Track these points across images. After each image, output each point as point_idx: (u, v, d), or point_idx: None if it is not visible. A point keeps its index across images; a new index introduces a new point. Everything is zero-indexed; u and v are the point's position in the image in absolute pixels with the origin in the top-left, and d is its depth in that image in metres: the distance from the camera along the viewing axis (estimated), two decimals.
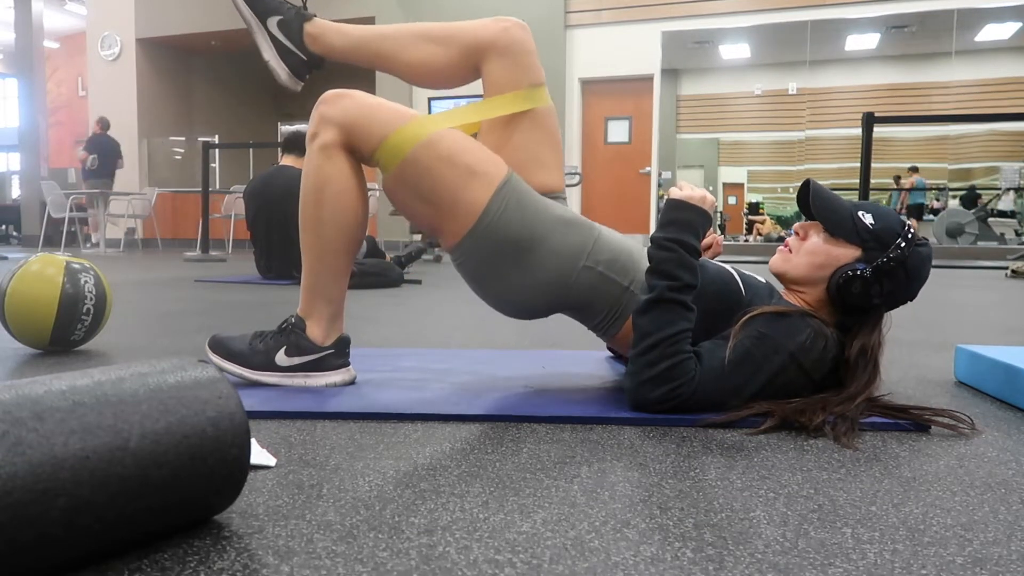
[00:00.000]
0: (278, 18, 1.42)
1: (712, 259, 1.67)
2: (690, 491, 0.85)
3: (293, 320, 1.33)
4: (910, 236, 1.23)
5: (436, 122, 1.28)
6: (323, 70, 1.44)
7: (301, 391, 1.30)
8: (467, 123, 1.37)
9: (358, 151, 1.28)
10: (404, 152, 1.25)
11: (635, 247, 1.35)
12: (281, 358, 1.32)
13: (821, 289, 1.26)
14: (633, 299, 1.28)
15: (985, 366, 1.41)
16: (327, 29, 1.44)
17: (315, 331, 1.33)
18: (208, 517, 0.72)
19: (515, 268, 1.27)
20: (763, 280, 1.32)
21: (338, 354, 1.34)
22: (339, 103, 1.26)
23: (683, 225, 1.21)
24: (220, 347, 1.35)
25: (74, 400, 0.62)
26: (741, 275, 1.30)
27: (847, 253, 1.24)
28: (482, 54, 1.37)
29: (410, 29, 1.41)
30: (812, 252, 1.27)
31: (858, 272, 1.21)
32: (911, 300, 1.27)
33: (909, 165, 8.98)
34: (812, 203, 1.26)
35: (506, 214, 1.26)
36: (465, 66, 1.39)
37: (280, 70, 1.43)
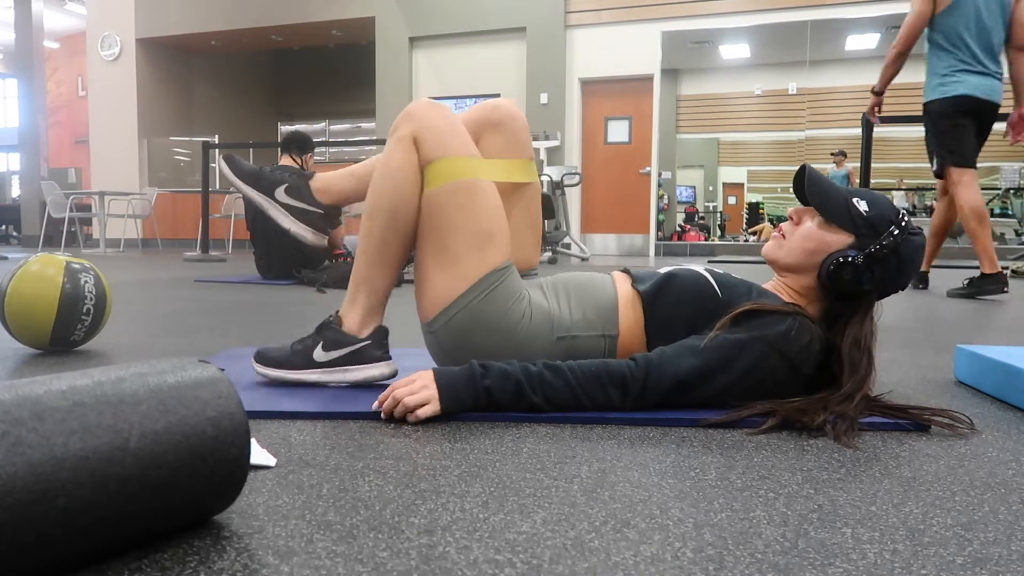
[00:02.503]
0: (284, 186, 1.49)
1: None
2: (690, 491, 0.85)
3: (331, 318, 1.35)
4: (903, 224, 1.23)
5: (486, 169, 1.32)
6: (345, 214, 1.48)
7: (300, 391, 1.30)
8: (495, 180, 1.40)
9: (419, 155, 1.31)
10: (448, 179, 1.28)
11: (589, 284, 1.34)
12: (319, 354, 1.33)
13: (812, 275, 1.27)
14: (612, 340, 1.30)
15: (985, 366, 1.41)
16: (331, 178, 1.50)
17: (351, 322, 1.33)
18: (208, 517, 0.72)
19: (493, 349, 1.28)
20: (739, 278, 1.32)
21: (376, 345, 1.34)
22: (427, 109, 1.31)
23: (477, 392, 1.16)
24: (263, 358, 1.37)
25: (74, 400, 0.62)
26: (715, 276, 1.30)
27: (840, 239, 1.24)
28: (478, 135, 1.41)
29: None
30: (805, 237, 1.27)
31: (850, 258, 1.21)
32: (902, 289, 1.27)
33: (837, 150, 9.05)
34: (807, 188, 1.26)
35: (495, 296, 1.27)
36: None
37: (304, 232, 1.49)
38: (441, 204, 1.28)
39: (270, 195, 1.48)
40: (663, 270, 1.32)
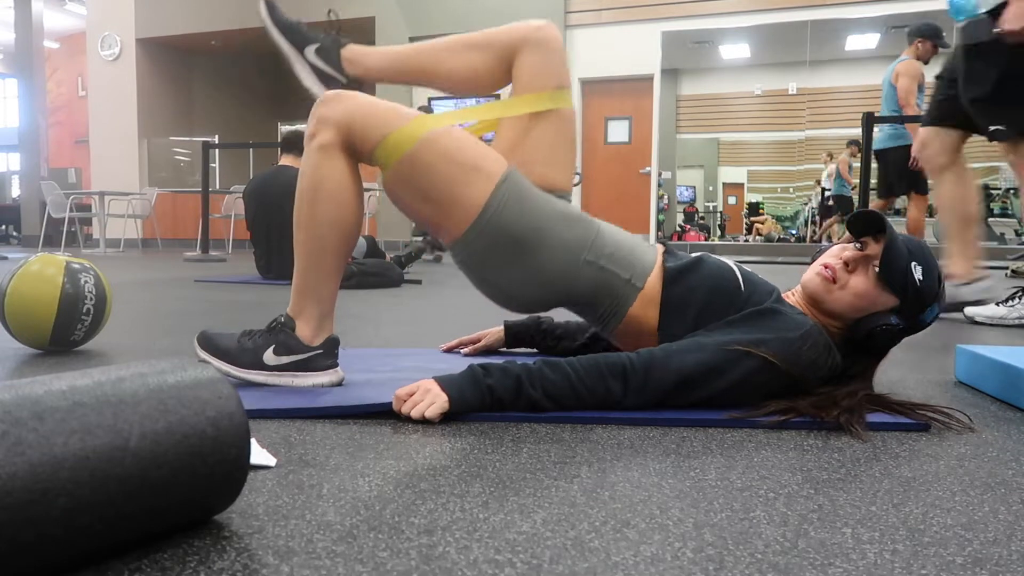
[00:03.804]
0: (315, 46, 1.46)
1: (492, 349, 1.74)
2: (690, 491, 0.85)
3: (283, 319, 1.33)
4: (941, 299, 1.25)
5: (436, 120, 1.29)
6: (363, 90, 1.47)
7: (301, 391, 1.30)
8: (488, 119, 1.39)
9: (357, 150, 1.29)
10: (404, 149, 1.26)
11: (635, 241, 1.36)
12: (269, 357, 1.32)
13: (845, 324, 1.28)
14: (634, 291, 1.30)
15: (985, 366, 1.41)
16: (364, 51, 1.47)
17: (304, 331, 1.33)
18: (208, 517, 0.72)
19: (516, 263, 1.28)
20: (764, 280, 1.32)
21: (326, 355, 1.34)
22: (338, 104, 1.27)
23: (483, 390, 1.15)
24: (208, 343, 1.35)
25: (74, 400, 0.62)
26: (742, 271, 1.30)
27: (886, 300, 1.24)
28: (516, 51, 1.39)
29: (444, 41, 1.44)
30: (859, 295, 1.25)
31: (891, 325, 1.23)
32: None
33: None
34: (886, 246, 1.22)
35: (506, 210, 1.27)
36: (503, 67, 1.41)
37: (322, 95, 1.48)
38: (412, 173, 1.27)
39: (300, 50, 1.47)
40: (695, 255, 1.33)
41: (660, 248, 1.38)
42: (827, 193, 9.23)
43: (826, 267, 1.26)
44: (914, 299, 1.23)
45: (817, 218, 9.58)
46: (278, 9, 1.48)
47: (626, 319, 1.31)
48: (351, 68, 1.45)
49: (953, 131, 2.70)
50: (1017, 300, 2.48)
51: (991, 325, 2.49)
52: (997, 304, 2.52)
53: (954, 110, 2.63)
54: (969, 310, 2.56)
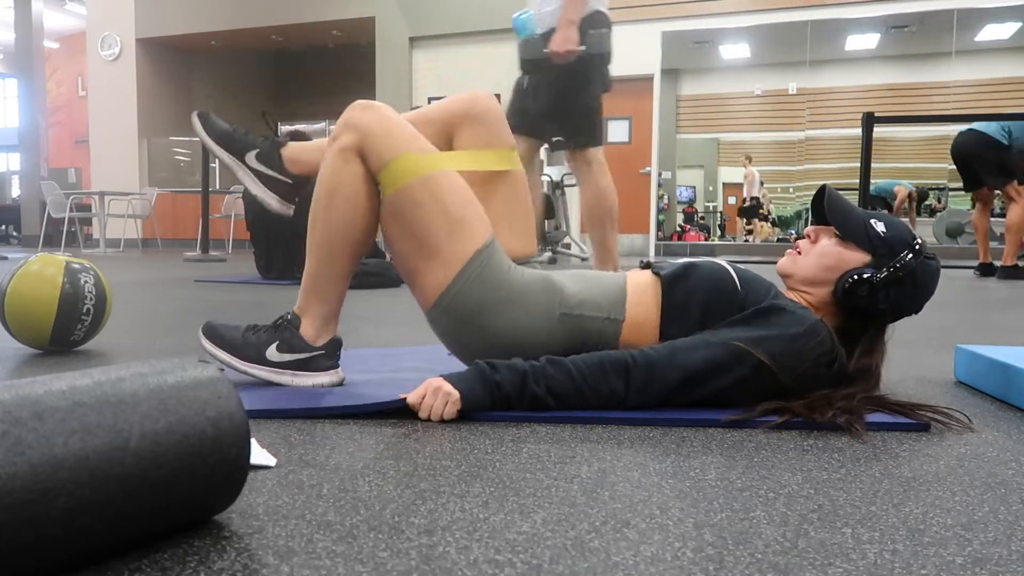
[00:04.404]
0: (255, 151, 1.46)
1: None
2: (690, 491, 0.85)
3: (288, 317, 1.34)
4: (920, 248, 1.26)
5: (445, 161, 1.30)
6: (309, 188, 1.46)
7: (300, 391, 1.30)
8: (463, 170, 1.38)
9: (367, 164, 1.30)
10: (405, 180, 1.26)
11: (596, 277, 1.35)
12: (272, 353, 1.33)
13: (827, 291, 1.28)
14: (616, 325, 1.29)
15: (985, 366, 1.41)
16: (303, 148, 1.48)
17: (308, 330, 1.33)
18: (208, 517, 0.72)
19: (495, 327, 1.27)
20: (760, 277, 1.32)
21: (328, 355, 1.34)
22: (366, 112, 1.29)
23: (491, 385, 1.16)
24: (213, 334, 1.36)
25: (74, 400, 0.62)
26: (736, 270, 1.30)
27: (857, 257, 1.26)
28: (455, 127, 1.40)
29: (407, 115, 1.45)
30: (822, 254, 1.29)
31: (866, 275, 1.23)
32: (915, 312, 1.29)
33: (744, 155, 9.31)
34: (827, 206, 1.28)
35: (484, 276, 1.26)
36: (444, 143, 1.42)
37: (269, 199, 1.48)
38: (405, 206, 1.27)
39: (240, 158, 1.47)
40: (684, 260, 1.33)
41: (634, 271, 1.37)
42: (752, 194, 9.54)
43: (795, 247, 1.35)
44: (884, 249, 1.25)
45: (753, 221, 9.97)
46: (211, 119, 1.49)
47: (620, 345, 1.31)
48: (294, 167, 1.46)
49: (527, 139, 2.89)
50: None
51: None
52: None
53: (524, 120, 2.84)
54: None
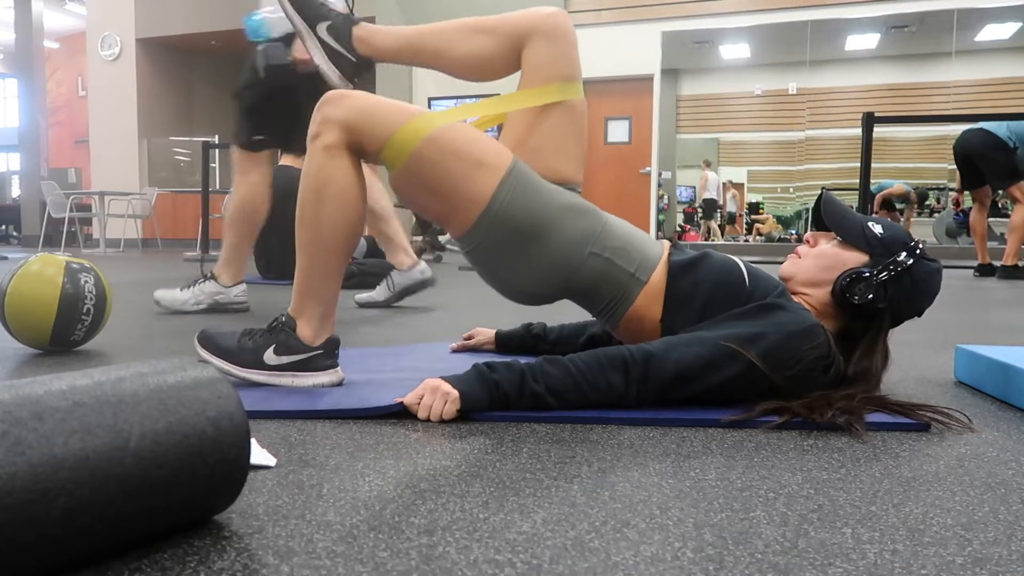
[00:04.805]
0: (327, 23, 1.46)
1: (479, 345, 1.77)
2: (690, 491, 0.85)
3: (283, 319, 1.34)
4: (916, 248, 1.27)
5: (441, 117, 1.29)
6: (372, 71, 1.46)
7: (300, 391, 1.30)
8: (493, 113, 1.39)
9: (363, 150, 1.29)
10: (411, 148, 1.26)
11: (641, 235, 1.37)
12: (270, 356, 1.32)
13: (826, 292, 1.29)
14: (638, 285, 1.30)
15: (985, 366, 1.41)
16: (375, 31, 1.47)
17: (305, 331, 1.33)
18: (208, 517, 0.72)
19: (523, 255, 1.29)
20: (770, 275, 1.33)
21: (327, 355, 1.34)
22: (342, 103, 1.27)
23: (488, 385, 1.16)
24: (209, 342, 1.36)
25: (74, 400, 0.62)
26: (748, 267, 1.31)
27: (855, 258, 1.28)
28: (525, 38, 1.37)
29: (456, 24, 1.43)
30: (820, 255, 1.31)
31: (864, 273, 1.24)
32: (918, 316, 1.29)
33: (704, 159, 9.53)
34: (824, 211, 1.31)
35: (513, 202, 1.28)
36: (513, 53, 1.40)
37: (332, 73, 1.47)
38: (420, 170, 1.27)
39: (312, 26, 1.46)
40: (700, 252, 1.35)
41: (666, 244, 1.39)
42: (706, 196, 9.89)
43: (795, 252, 1.37)
44: (881, 248, 1.27)
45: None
46: None
47: (630, 312, 1.32)
48: (362, 47, 1.45)
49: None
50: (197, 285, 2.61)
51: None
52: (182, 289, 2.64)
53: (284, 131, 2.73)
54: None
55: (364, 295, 2.89)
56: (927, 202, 9.15)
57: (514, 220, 1.28)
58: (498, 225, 1.28)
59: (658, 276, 1.31)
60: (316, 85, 2.67)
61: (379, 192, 2.87)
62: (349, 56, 1.46)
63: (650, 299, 1.31)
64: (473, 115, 1.39)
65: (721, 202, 10.12)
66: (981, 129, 5.03)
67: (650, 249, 1.34)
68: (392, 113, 1.27)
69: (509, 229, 1.28)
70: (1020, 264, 5.10)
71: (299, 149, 2.75)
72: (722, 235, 10.16)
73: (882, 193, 8.26)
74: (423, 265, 2.87)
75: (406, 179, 1.29)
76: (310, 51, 1.47)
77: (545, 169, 1.36)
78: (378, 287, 2.88)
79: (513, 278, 1.33)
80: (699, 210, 10.22)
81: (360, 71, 1.49)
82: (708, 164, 9.98)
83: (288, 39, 2.57)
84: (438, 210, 1.32)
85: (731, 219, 10.14)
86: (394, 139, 1.26)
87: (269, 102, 2.62)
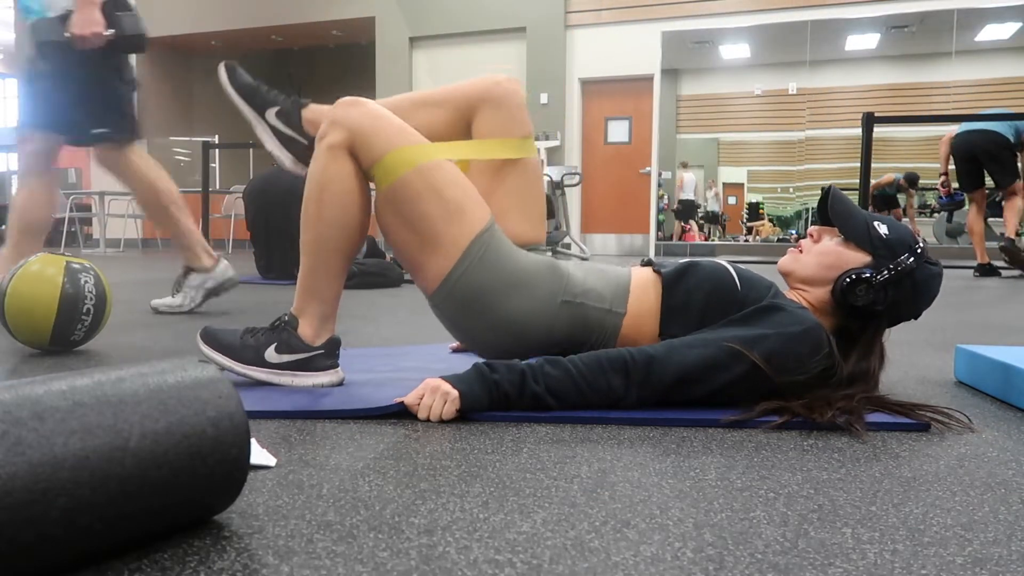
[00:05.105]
0: (275, 109, 1.47)
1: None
2: (690, 491, 0.85)
3: (286, 318, 1.34)
4: (920, 251, 1.26)
5: (436, 151, 1.30)
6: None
7: (300, 391, 1.30)
8: (461, 159, 1.39)
9: (359, 160, 1.30)
10: (400, 173, 1.27)
11: (602, 269, 1.36)
12: (271, 355, 1.33)
13: (826, 290, 1.28)
14: (617, 318, 1.30)
15: (985, 366, 1.41)
16: (324, 112, 1.48)
17: (306, 330, 1.33)
18: (208, 517, 0.72)
19: (498, 311, 1.29)
20: (760, 276, 1.33)
21: (328, 355, 1.35)
22: (352, 109, 1.29)
23: (489, 384, 1.16)
24: (211, 339, 1.36)
25: (74, 400, 0.62)
26: (737, 270, 1.30)
27: (857, 257, 1.27)
28: (475, 109, 1.41)
29: (406, 97, 1.45)
30: (823, 252, 1.30)
31: (865, 275, 1.23)
32: (915, 318, 1.29)
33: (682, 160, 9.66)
34: (830, 207, 1.30)
35: (485, 260, 1.28)
36: (462, 123, 1.43)
37: (284, 158, 1.48)
38: (401, 198, 1.28)
39: (261, 114, 1.47)
40: (685, 260, 1.34)
41: (637, 267, 1.38)
42: (683, 197, 9.88)
43: (797, 246, 1.35)
44: (884, 250, 1.25)
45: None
46: (238, 72, 1.49)
47: (618, 342, 1.32)
48: (312, 129, 1.46)
49: (53, 136, 2.55)
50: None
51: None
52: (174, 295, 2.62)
53: (55, 114, 2.54)
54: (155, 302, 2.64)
55: (162, 301, 2.64)
56: (927, 204, 9.15)
57: (486, 278, 1.27)
58: (470, 281, 1.27)
59: (642, 297, 1.31)
60: (117, 65, 2.48)
61: (156, 185, 2.63)
62: (301, 140, 1.46)
63: (637, 323, 1.30)
64: (456, 155, 1.37)
65: (700, 202, 10.13)
66: (989, 129, 5.04)
67: (617, 280, 1.33)
68: (393, 134, 1.28)
69: (481, 287, 1.27)
70: (992, 262, 5.24)
71: (138, 135, 2.58)
72: (699, 232, 10.13)
73: (872, 186, 8.28)
74: (225, 263, 2.70)
75: (388, 202, 1.29)
76: (261, 137, 1.48)
77: (509, 231, 1.38)
78: (178, 293, 2.64)
79: (484, 336, 1.31)
80: (673, 212, 10.24)
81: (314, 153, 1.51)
82: (685, 165, 10.02)
83: (66, 17, 2.39)
84: (410, 249, 1.30)
85: (713, 218, 10.12)
86: (387, 158, 1.27)
87: (95, 90, 2.46)
